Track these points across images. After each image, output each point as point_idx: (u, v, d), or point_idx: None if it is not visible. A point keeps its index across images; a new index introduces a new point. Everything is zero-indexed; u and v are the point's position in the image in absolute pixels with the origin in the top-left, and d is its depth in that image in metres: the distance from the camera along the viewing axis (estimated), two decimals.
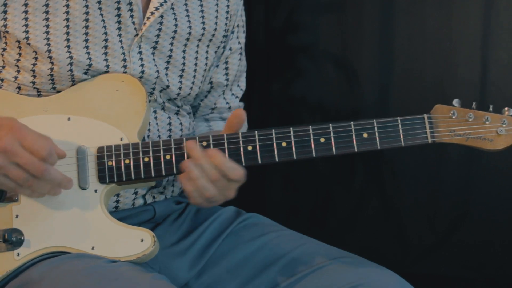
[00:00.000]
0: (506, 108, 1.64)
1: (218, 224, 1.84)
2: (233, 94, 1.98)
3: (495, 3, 2.85)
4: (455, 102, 1.65)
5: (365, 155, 3.06)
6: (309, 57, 3.05)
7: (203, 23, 1.83)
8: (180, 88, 1.81)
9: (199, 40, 1.83)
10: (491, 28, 2.86)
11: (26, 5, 1.67)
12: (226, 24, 1.88)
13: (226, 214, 1.87)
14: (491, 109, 1.64)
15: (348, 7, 3.00)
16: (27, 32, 1.67)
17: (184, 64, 1.81)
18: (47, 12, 1.68)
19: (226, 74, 1.94)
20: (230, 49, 1.92)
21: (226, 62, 1.93)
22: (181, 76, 1.81)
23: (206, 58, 1.86)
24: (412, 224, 3.05)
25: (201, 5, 1.84)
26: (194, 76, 1.84)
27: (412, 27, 2.96)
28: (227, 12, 1.88)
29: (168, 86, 1.79)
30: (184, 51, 1.81)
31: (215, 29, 1.86)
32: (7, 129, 1.54)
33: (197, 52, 1.83)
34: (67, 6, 1.69)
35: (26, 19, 1.67)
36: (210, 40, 1.85)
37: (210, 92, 1.95)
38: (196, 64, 1.83)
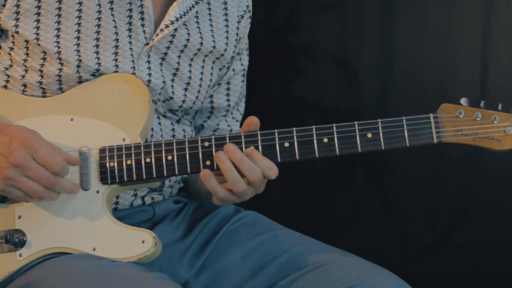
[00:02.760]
0: None
1: (216, 221, 1.84)
2: (233, 118, 1.98)
3: (495, 3, 2.85)
4: (463, 101, 1.61)
5: (365, 155, 3.06)
6: (309, 57, 3.05)
7: (214, 41, 1.83)
8: (183, 101, 1.81)
9: (206, 55, 1.83)
10: (491, 28, 2.86)
11: (39, 7, 1.67)
12: (235, 46, 1.88)
13: (225, 211, 1.87)
14: (499, 107, 1.60)
15: (348, 7, 3.00)
16: (37, 34, 1.67)
17: (190, 78, 1.81)
18: (59, 16, 1.68)
19: (228, 95, 1.93)
20: (233, 70, 1.92)
21: (228, 83, 1.93)
22: (186, 89, 1.81)
23: (211, 74, 1.86)
24: (412, 224, 3.05)
25: (211, 22, 1.85)
26: (199, 91, 1.84)
27: (412, 27, 2.96)
28: (237, 34, 1.88)
29: (172, 98, 1.79)
30: (190, 64, 1.81)
31: (225, 50, 1.86)
32: (19, 141, 1.55)
33: (202, 67, 1.83)
34: (80, 11, 1.69)
35: (38, 21, 1.68)
36: (218, 58, 1.86)
37: (213, 113, 1.94)
38: (201, 79, 1.83)
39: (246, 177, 1.60)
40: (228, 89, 1.93)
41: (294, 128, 1.63)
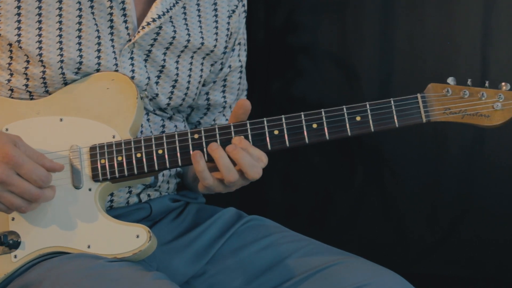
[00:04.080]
0: (503, 83, 1.62)
1: (220, 224, 1.85)
2: None
3: (495, 3, 2.84)
4: (450, 80, 1.63)
5: (364, 154, 3.06)
6: (309, 57, 3.05)
7: (202, 37, 1.83)
8: (170, 98, 1.82)
9: (194, 52, 1.83)
10: (491, 28, 2.86)
11: (18, 7, 1.69)
12: (226, 41, 1.88)
13: (228, 214, 1.87)
14: (487, 84, 1.61)
15: (348, 7, 3.00)
16: (19, 35, 1.68)
17: (177, 75, 1.81)
18: (40, 15, 1.69)
19: (224, 91, 1.93)
20: (230, 66, 1.92)
21: (225, 80, 1.93)
22: (173, 86, 1.81)
23: (201, 70, 1.86)
24: (412, 223, 3.04)
25: (199, 18, 1.84)
26: (188, 88, 1.84)
27: (412, 26, 2.95)
28: (228, 29, 1.88)
29: (157, 95, 1.80)
30: (177, 61, 1.81)
31: (215, 46, 1.85)
32: (1, 156, 1.55)
33: (191, 63, 1.83)
34: (60, 9, 1.70)
35: (18, 21, 1.69)
36: (208, 54, 1.85)
37: (210, 110, 1.94)
38: (190, 75, 1.83)
39: (238, 165, 1.60)
40: (224, 86, 1.93)
41: (283, 116, 1.64)
